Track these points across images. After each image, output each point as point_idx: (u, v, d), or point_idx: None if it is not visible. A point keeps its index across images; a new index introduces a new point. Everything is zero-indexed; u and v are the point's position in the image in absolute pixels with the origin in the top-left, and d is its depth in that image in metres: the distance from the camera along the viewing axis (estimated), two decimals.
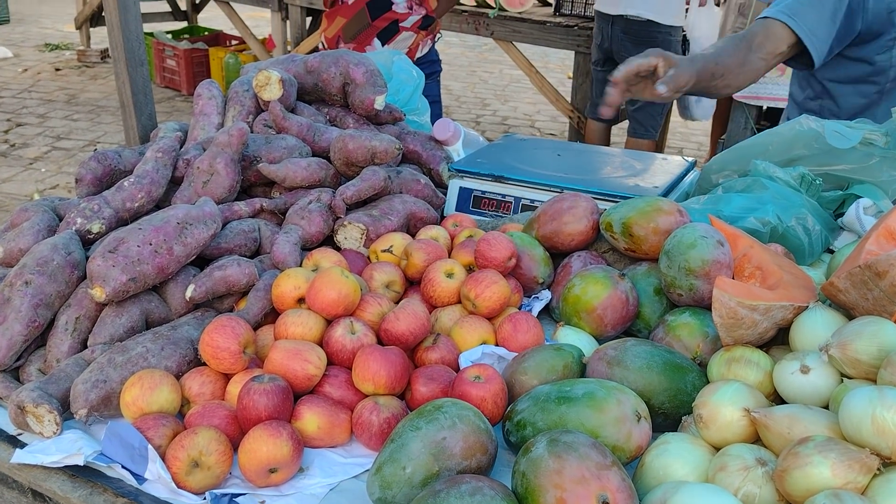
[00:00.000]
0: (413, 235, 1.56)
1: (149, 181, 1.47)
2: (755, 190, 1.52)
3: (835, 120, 1.54)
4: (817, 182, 1.52)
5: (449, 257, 1.47)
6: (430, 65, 3.18)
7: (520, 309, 1.43)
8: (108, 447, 1.08)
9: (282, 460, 1.04)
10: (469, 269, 1.43)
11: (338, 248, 1.53)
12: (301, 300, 1.29)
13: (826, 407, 1.03)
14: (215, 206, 1.40)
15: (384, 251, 1.47)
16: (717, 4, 6.43)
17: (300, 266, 1.41)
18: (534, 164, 1.85)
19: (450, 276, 1.38)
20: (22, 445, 1.14)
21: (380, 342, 1.26)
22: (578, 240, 1.49)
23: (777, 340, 1.20)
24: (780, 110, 4.70)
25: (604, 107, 1.63)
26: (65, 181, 5.13)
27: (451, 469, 0.97)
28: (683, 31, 4.42)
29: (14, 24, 10.23)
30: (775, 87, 4.34)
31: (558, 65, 8.99)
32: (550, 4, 5.38)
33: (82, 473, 1.09)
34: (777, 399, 1.09)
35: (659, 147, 5.85)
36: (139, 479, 1.06)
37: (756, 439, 1.01)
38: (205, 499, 1.04)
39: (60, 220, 1.46)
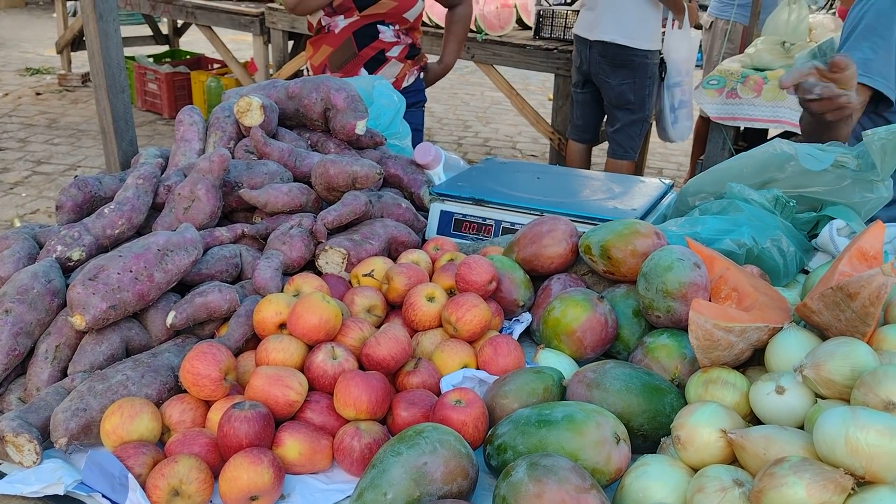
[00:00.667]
0: (394, 259, 1.57)
1: (129, 208, 1.48)
2: (731, 212, 1.55)
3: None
4: (791, 204, 1.55)
5: (430, 281, 1.48)
6: (415, 94, 3.19)
7: (501, 332, 1.44)
8: (88, 476, 1.08)
9: (263, 488, 1.04)
10: (450, 293, 1.44)
11: (320, 273, 1.54)
12: (282, 326, 1.30)
13: (801, 427, 1.05)
14: (196, 232, 1.41)
15: (365, 275, 1.48)
16: (698, 27, 6.55)
17: (281, 291, 1.41)
18: (514, 188, 1.87)
19: (431, 299, 1.38)
20: (1, 475, 1.13)
21: (361, 367, 1.26)
22: (558, 262, 1.51)
23: (754, 361, 1.22)
24: (757, 130, 4.79)
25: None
26: (45, 206, 5.10)
27: (432, 494, 0.98)
28: (661, 54, 4.50)
29: None
30: (751, 108, 4.41)
31: (539, 86, 9.08)
32: (530, 28, 5.44)
33: (63, 503, 1.08)
34: (754, 420, 1.11)
35: (638, 168, 5.92)
36: None
37: (733, 460, 1.02)
38: None
39: (41, 247, 1.46)
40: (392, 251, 1.62)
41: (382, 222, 1.62)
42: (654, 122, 4.98)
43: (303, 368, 1.24)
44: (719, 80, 4.46)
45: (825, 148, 1.55)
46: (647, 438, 1.13)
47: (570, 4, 5.43)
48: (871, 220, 1.52)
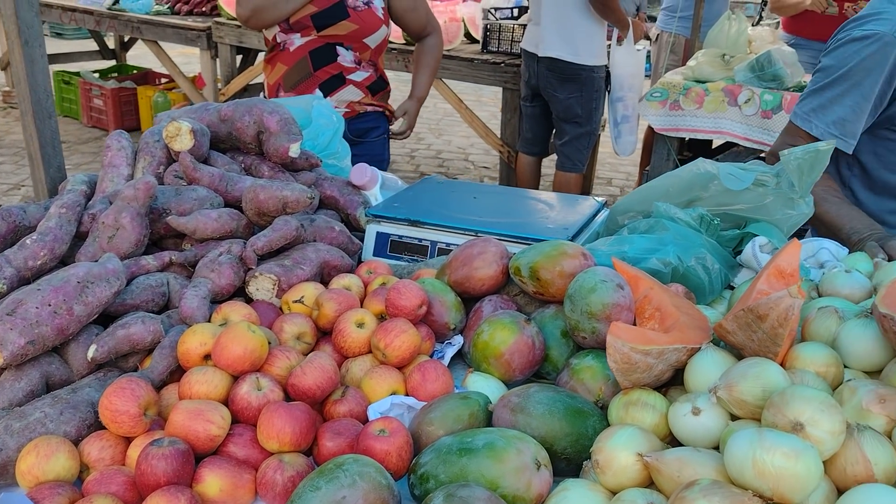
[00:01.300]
0: (327, 284, 1.56)
1: (52, 238, 1.45)
2: (657, 231, 1.57)
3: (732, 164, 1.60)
4: (716, 222, 1.58)
5: (361, 306, 1.48)
6: (375, 119, 2.99)
7: (432, 356, 1.45)
8: None
9: None
10: (381, 318, 1.44)
11: (251, 300, 1.52)
12: (208, 357, 1.28)
13: (718, 448, 1.07)
14: (119, 262, 1.38)
15: (296, 302, 1.47)
16: (647, 38, 6.66)
17: (209, 321, 1.39)
18: (450, 208, 1.88)
19: (360, 326, 1.38)
20: None
21: (289, 398, 1.25)
22: (489, 284, 1.52)
23: (677, 380, 1.24)
24: (701, 141, 4.88)
25: None
26: None
27: None
28: (608, 68, 4.57)
29: None
30: (694, 120, 4.50)
31: (491, 98, 9.13)
32: (478, 42, 5.48)
33: None
34: (674, 441, 1.13)
35: (588, 179, 6.00)
36: None
37: (651, 483, 1.04)
38: None
39: None
40: (324, 276, 1.61)
41: (314, 247, 1.61)
42: (600, 134, 5.06)
43: (227, 401, 1.22)
44: (662, 93, 4.54)
45: (746, 167, 1.58)
46: (571, 462, 1.14)
47: (516, 19, 5.49)
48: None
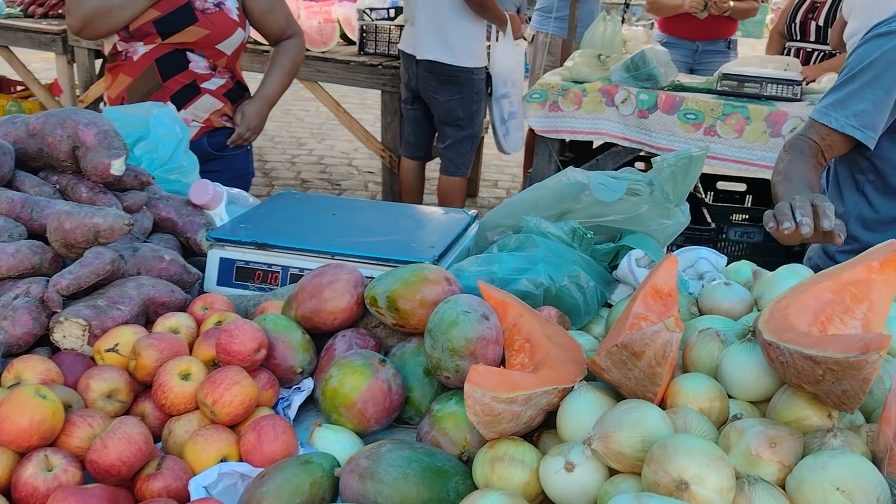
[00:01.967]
0: (152, 326, 1.34)
1: None
2: (528, 248, 1.43)
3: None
4: (589, 236, 1.46)
5: (191, 352, 1.26)
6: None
7: (276, 406, 1.25)
8: None
9: None
10: (215, 365, 1.23)
11: (59, 349, 1.28)
12: None
13: None
14: None
15: (108, 351, 1.24)
16: (525, 38, 6.63)
17: None
18: (304, 228, 1.68)
19: (185, 377, 1.17)
20: None
21: (91, 477, 1.03)
22: (342, 318, 1.33)
23: (550, 422, 1.10)
24: (582, 142, 4.85)
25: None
26: None
27: None
28: (487, 70, 4.47)
29: None
30: (573, 121, 4.46)
31: (376, 100, 8.93)
32: (355, 43, 5.28)
33: None
34: (547, 500, 0.98)
35: (473, 182, 5.91)
36: None
37: None
38: None
39: None
40: (150, 315, 1.38)
41: (136, 281, 1.38)
42: (493, 134, 4.95)
43: (10, 486, 0.99)
44: (541, 94, 4.48)
45: (618, 176, 1.47)
46: None
47: (393, 19, 5.32)
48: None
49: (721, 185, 5.42)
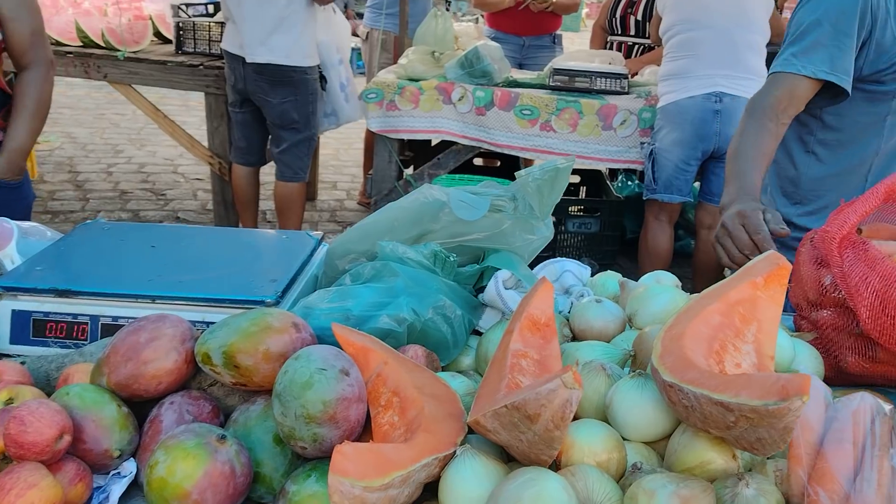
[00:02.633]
0: None
1: None
2: (385, 277, 1.27)
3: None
4: (452, 259, 1.32)
5: None
6: None
7: (91, 500, 1.01)
8: None
9: None
10: (4, 458, 0.97)
11: None
12: None
13: None
14: None
15: None
16: (356, 35, 6.44)
17: None
18: (116, 266, 1.42)
19: None
20: None
21: None
22: (168, 381, 1.11)
23: (431, 489, 0.94)
24: (421, 142, 4.74)
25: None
26: None
27: None
28: (320, 69, 4.24)
29: None
30: (411, 120, 4.34)
31: (199, 102, 8.40)
32: (171, 42, 4.87)
33: None
34: None
35: (311, 185, 5.66)
36: None
37: None
38: None
39: None
40: None
41: None
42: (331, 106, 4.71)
43: None
44: (378, 93, 4.33)
45: (479, 192, 1.34)
46: None
47: (212, 16, 4.95)
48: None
49: None
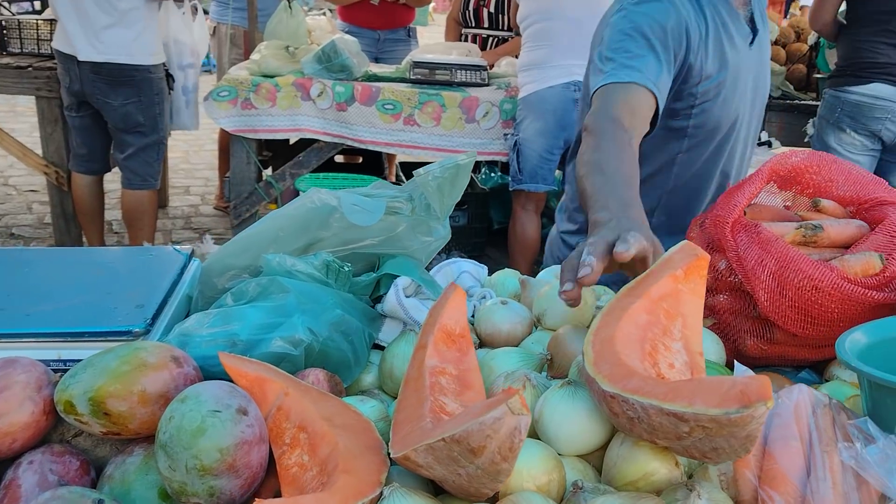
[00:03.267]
0: None
1: None
2: (274, 294, 1.14)
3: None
4: (346, 269, 1.20)
5: None
6: None
7: None
8: None
9: None
10: None
11: None
12: None
13: None
14: None
15: None
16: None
17: None
18: None
19: None
20: None
21: None
22: (25, 437, 0.93)
23: None
24: (279, 141, 4.52)
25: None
26: None
27: None
28: (166, 66, 3.94)
29: None
30: (269, 119, 4.15)
31: (29, 108, 7.69)
32: None
33: None
34: None
35: (162, 192, 5.30)
36: None
37: None
38: None
39: None
40: None
41: None
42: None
43: None
44: (230, 91, 4.09)
45: (372, 193, 1.23)
46: None
47: (39, 13, 4.51)
48: None
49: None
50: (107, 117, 3.77)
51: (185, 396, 0.86)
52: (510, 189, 4.08)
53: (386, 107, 4.17)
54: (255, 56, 4.33)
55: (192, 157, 6.89)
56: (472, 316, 1.31)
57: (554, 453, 0.85)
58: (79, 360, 1.12)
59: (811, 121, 3.89)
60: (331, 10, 9.56)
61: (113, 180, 4.60)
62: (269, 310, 1.11)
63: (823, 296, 1.22)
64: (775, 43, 4.49)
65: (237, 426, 0.84)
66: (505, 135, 4.16)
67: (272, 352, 1.06)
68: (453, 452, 0.71)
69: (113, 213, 4.85)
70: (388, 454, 0.85)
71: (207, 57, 6.29)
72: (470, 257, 3.64)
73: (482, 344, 1.24)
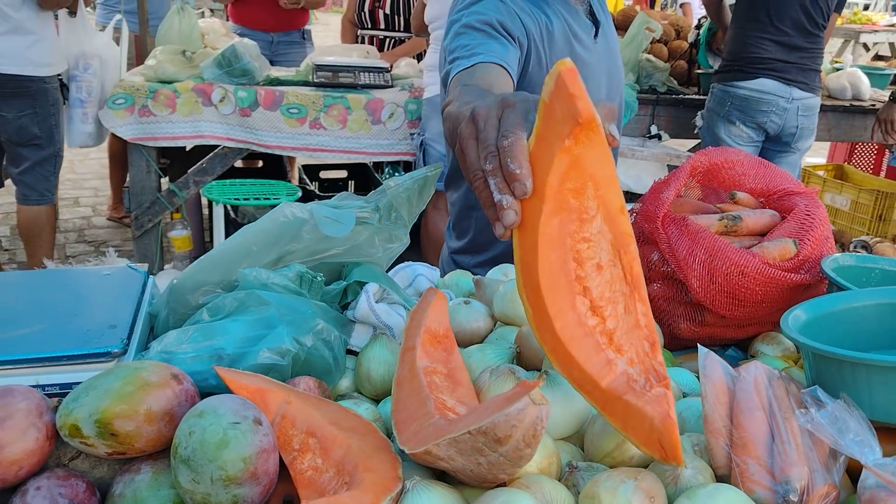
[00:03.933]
0: None
1: None
2: (253, 307, 1.17)
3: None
4: (318, 279, 1.25)
5: None
6: None
7: None
8: None
9: None
10: None
11: None
12: None
13: None
14: None
15: None
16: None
17: None
18: None
19: None
20: None
21: None
22: (31, 464, 0.93)
23: None
24: (177, 148, 4.41)
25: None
26: None
27: None
28: (60, 77, 3.77)
29: None
30: (170, 126, 4.06)
31: None
32: None
33: None
34: None
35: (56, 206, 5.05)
36: None
37: None
38: None
39: None
40: None
41: None
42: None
43: None
44: (126, 98, 3.97)
45: (340, 205, 1.28)
46: None
47: None
48: None
49: (324, 174, 5.49)
50: (0, 130, 3.59)
51: (202, 411, 0.89)
52: None
53: (291, 111, 4.16)
54: (150, 61, 4.21)
55: (77, 167, 6.59)
56: None
57: (549, 438, 0.94)
58: (56, 385, 1.13)
59: (699, 113, 4.16)
60: (211, 11, 9.30)
61: (4, 195, 4.36)
62: (252, 322, 1.14)
63: (749, 280, 1.37)
64: (658, 41, 4.77)
65: (256, 436, 0.88)
66: (411, 135, 4.23)
67: (260, 363, 1.10)
68: (478, 443, 0.79)
69: (1, 230, 4.60)
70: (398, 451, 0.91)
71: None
72: None
73: None
